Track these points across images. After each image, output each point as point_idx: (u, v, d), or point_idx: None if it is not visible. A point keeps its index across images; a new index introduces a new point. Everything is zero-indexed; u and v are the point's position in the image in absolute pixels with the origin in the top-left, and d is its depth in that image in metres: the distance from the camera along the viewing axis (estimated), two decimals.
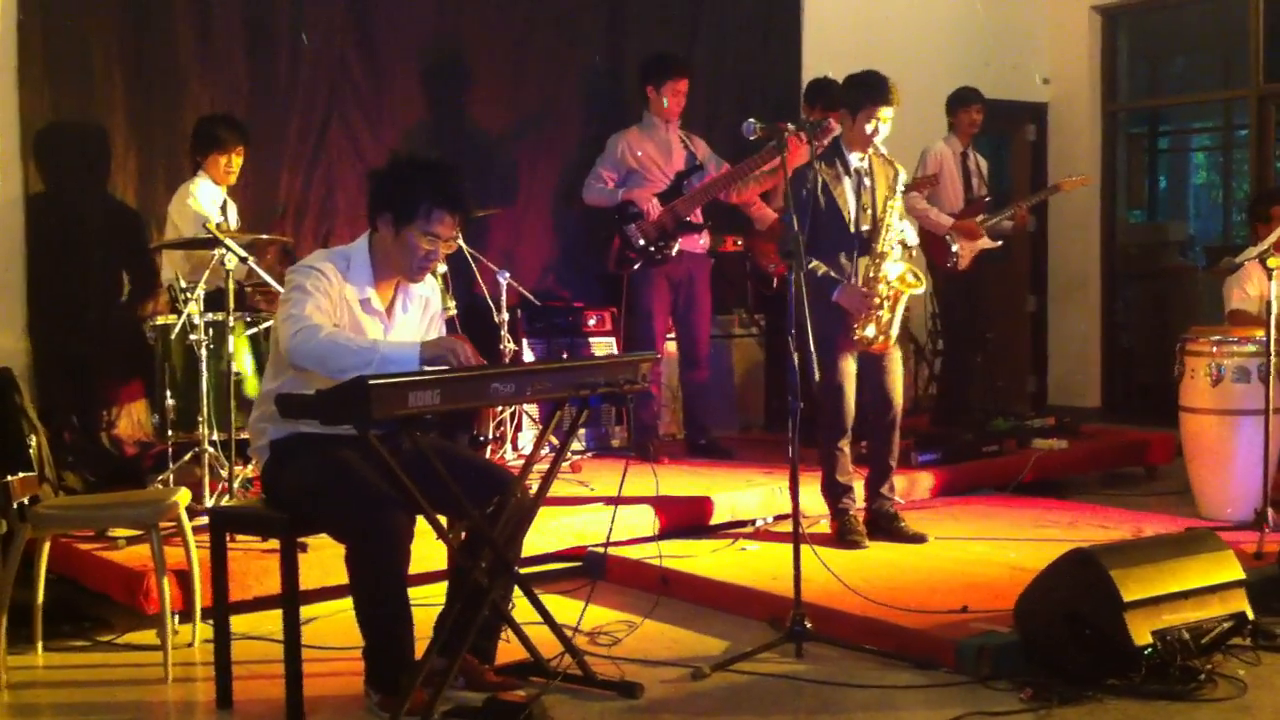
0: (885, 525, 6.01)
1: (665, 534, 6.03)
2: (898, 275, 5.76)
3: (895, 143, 5.93)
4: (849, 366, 5.84)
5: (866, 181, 5.82)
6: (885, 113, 5.72)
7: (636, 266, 7.23)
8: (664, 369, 7.62)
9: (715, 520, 6.28)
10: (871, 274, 5.76)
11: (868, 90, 5.74)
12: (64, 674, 4.71)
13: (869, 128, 5.72)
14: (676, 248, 7.22)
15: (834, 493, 5.98)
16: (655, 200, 7.21)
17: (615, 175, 7.33)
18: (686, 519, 6.20)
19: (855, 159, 5.83)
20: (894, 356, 5.93)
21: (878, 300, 5.73)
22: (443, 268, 6.74)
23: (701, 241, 7.37)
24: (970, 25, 10.10)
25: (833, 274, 5.72)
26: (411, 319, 4.39)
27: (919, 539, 5.95)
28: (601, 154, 7.43)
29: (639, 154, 7.31)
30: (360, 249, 4.30)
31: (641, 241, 7.19)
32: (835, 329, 5.72)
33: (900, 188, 5.82)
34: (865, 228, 5.80)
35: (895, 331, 5.85)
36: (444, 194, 4.19)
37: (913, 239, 5.98)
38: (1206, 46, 11.23)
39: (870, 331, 5.76)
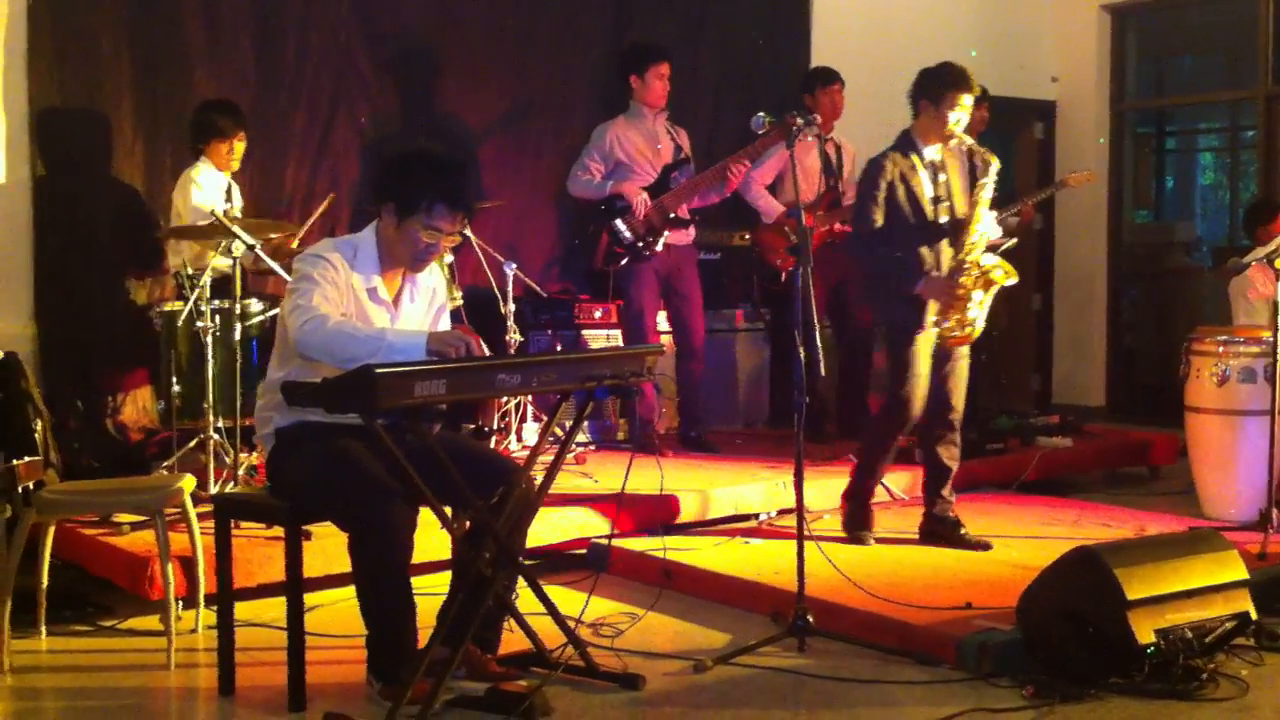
0: (946, 533, 5.85)
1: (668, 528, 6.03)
2: (990, 265, 5.62)
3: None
4: (924, 364, 5.66)
5: (942, 175, 5.73)
6: (967, 100, 5.61)
7: (624, 263, 7.22)
8: (659, 363, 7.58)
9: (716, 514, 6.27)
10: (959, 264, 5.62)
11: (951, 78, 5.63)
12: (67, 659, 4.72)
13: (953, 116, 5.60)
14: (662, 242, 7.21)
15: (865, 482, 5.86)
16: (644, 195, 7.19)
17: (603, 167, 7.29)
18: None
19: (930, 151, 5.72)
20: (961, 355, 5.80)
21: (961, 292, 5.60)
22: (449, 258, 6.74)
23: (685, 234, 7.36)
24: (978, 23, 10.08)
25: (905, 263, 5.60)
26: (418, 309, 4.40)
27: (983, 546, 5.76)
28: (587, 144, 7.39)
29: (627, 145, 7.29)
30: (367, 238, 4.31)
31: (629, 236, 7.17)
32: (912, 321, 5.62)
33: (993, 178, 5.67)
34: (944, 219, 5.69)
35: (980, 325, 5.70)
36: (446, 190, 4.19)
37: (995, 233, 5.78)
38: (1215, 47, 11.23)
39: (953, 323, 5.63)
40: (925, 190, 5.68)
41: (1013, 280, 5.70)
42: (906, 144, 5.74)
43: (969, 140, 5.72)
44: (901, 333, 5.64)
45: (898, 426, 5.78)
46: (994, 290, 5.70)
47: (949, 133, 5.66)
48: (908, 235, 5.65)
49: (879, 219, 5.64)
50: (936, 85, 5.66)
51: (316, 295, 4.09)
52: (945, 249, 5.68)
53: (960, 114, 5.63)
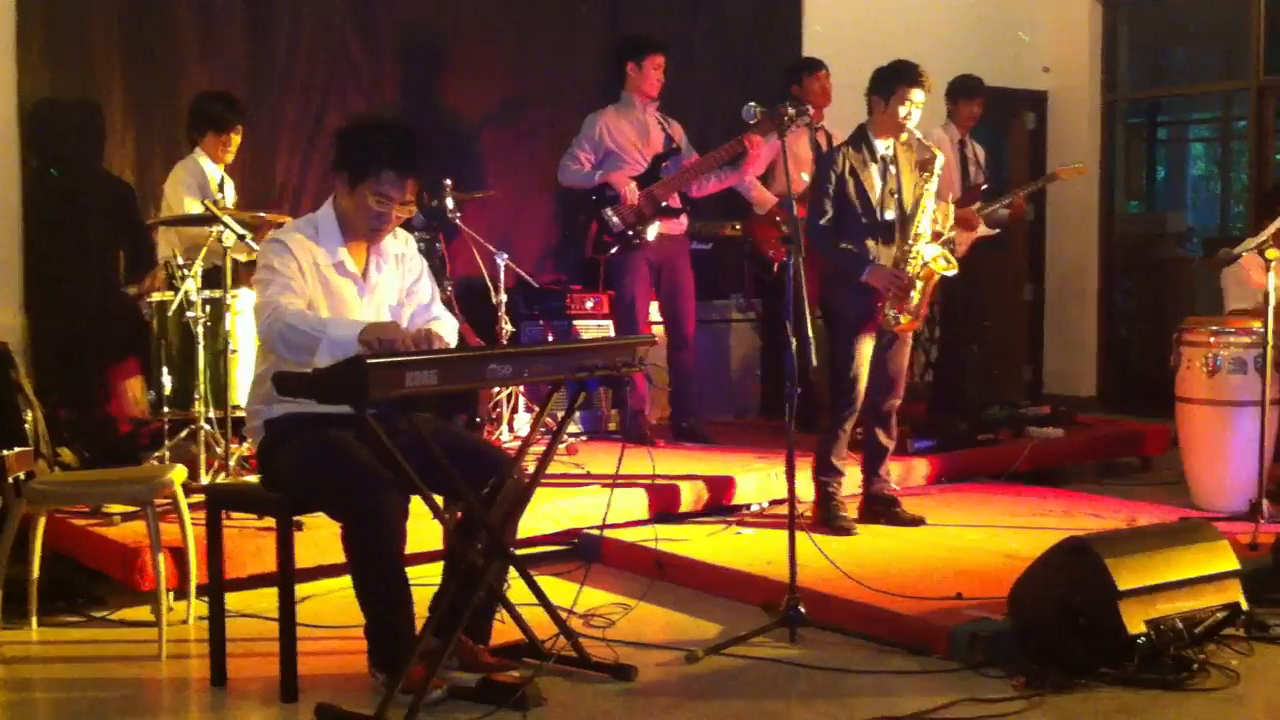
0: (884, 510, 6.04)
1: (661, 518, 6.02)
2: (931, 256, 5.80)
3: None
4: (867, 350, 5.85)
5: (892, 169, 5.86)
6: (916, 95, 5.78)
7: (614, 251, 7.21)
8: (650, 353, 7.57)
9: (714, 503, 6.28)
10: (903, 253, 5.78)
11: (899, 74, 5.81)
12: (58, 650, 4.72)
13: (902, 111, 5.76)
14: (654, 232, 7.20)
15: (827, 475, 5.96)
16: (633, 184, 7.18)
17: (593, 157, 7.29)
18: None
19: (882, 146, 5.86)
20: (904, 340, 5.96)
21: (906, 281, 5.75)
22: (440, 247, 6.74)
23: (677, 224, 7.36)
24: (971, 13, 10.08)
25: (855, 253, 5.75)
26: (387, 278, 4.40)
27: (917, 522, 5.98)
28: (577, 134, 7.39)
29: (616, 135, 7.28)
30: (326, 213, 4.33)
31: (619, 225, 7.17)
32: (859, 311, 5.77)
33: (939, 170, 5.85)
34: (890, 214, 5.82)
35: (923, 313, 5.89)
36: (394, 155, 4.20)
37: (943, 225, 6.00)
38: (1207, 38, 11.22)
39: (896, 312, 5.78)
40: (875, 184, 5.83)
41: (952, 271, 5.89)
42: (860, 138, 5.90)
43: (918, 134, 5.88)
44: (848, 322, 5.80)
45: (848, 414, 5.91)
46: (934, 280, 5.89)
47: (900, 125, 5.81)
48: (855, 228, 5.80)
49: (829, 210, 5.79)
50: (886, 81, 5.84)
51: (274, 287, 4.11)
52: (889, 241, 5.82)
53: (910, 109, 5.79)
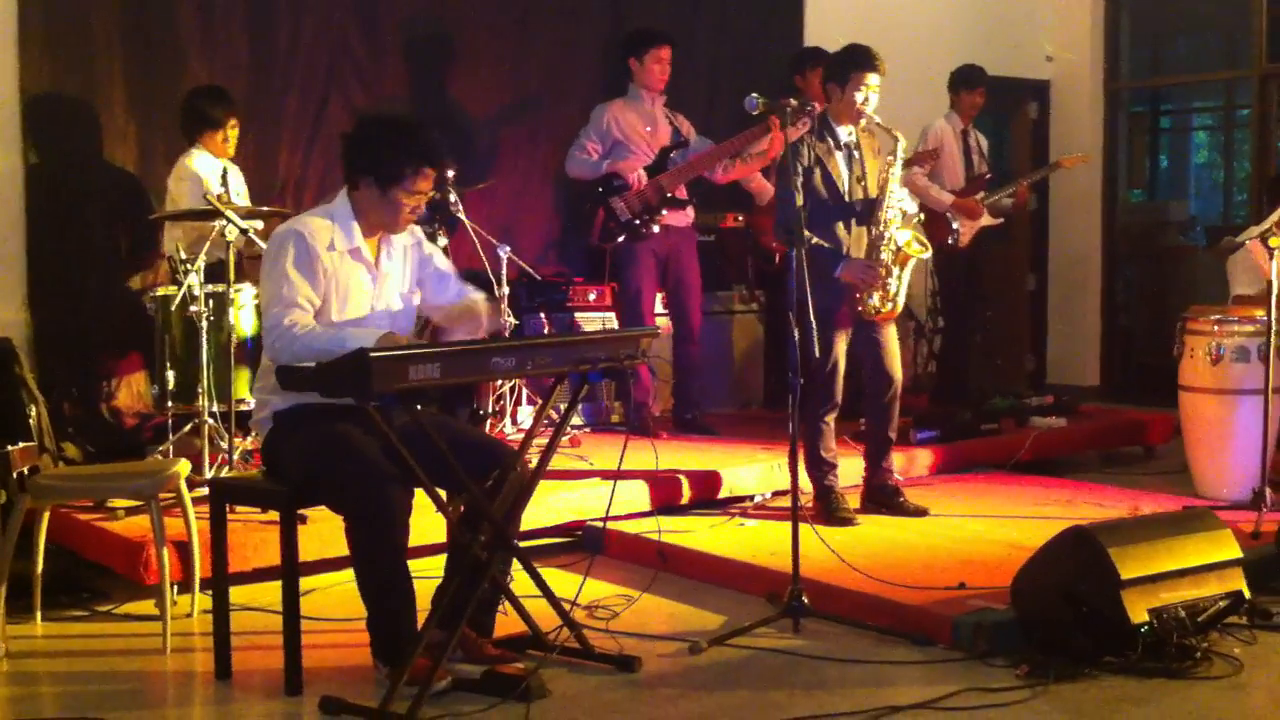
0: (887, 500, 6.05)
1: (662, 509, 6.03)
2: (904, 241, 5.81)
3: (898, 119, 5.96)
4: (843, 343, 5.87)
5: (856, 154, 5.89)
6: (872, 79, 5.79)
7: (620, 240, 7.21)
8: (654, 345, 7.58)
9: (717, 495, 6.27)
10: (875, 241, 5.80)
11: (853, 60, 5.83)
12: (63, 644, 4.72)
13: (859, 97, 5.78)
14: (660, 222, 7.20)
15: (819, 469, 5.97)
16: (641, 172, 7.19)
17: (600, 147, 7.30)
18: (693, 493, 6.22)
19: (844, 133, 5.89)
20: (890, 332, 5.97)
21: (883, 270, 5.77)
22: (443, 240, 6.74)
23: (684, 215, 7.36)
24: (974, 2, 10.06)
25: (829, 248, 5.74)
26: (395, 266, 4.46)
27: (920, 513, 5.99)
28: (585, 125, 7.40)
29: (624, 126, 7.28)
30: (342, 205, 4.36)
31: (626, 214, 7.17)
32: (834, 303, 5.75)
33: (900, 154, 5.86)
34: (858, 200, 5.86)
35: (901, 299, 5.90)
36: (425, 154, 4.29)
37: (911, 207, 6.02)
38: (1209, 26, 11.20)
39: (877, 300, 5.81)
40: (841, 172, 5.86)
41: (927, 253, 5.92)
42: (823, 127, 5.92)
43: (877, 119, 5.86)
44: (823, 316, 5.67)
45: (825, 406, 5.91)
46: (911, 264, 5.89)
47: (859, 111, 5.82)
48: (825, 217, 5.79)
49: (800, 203, 5.70)
50: (841, 67, 5.87)
51: (283, 304, 4.15)
52: (861, 228, 5.85)
53: (867, 94, 5.81)
